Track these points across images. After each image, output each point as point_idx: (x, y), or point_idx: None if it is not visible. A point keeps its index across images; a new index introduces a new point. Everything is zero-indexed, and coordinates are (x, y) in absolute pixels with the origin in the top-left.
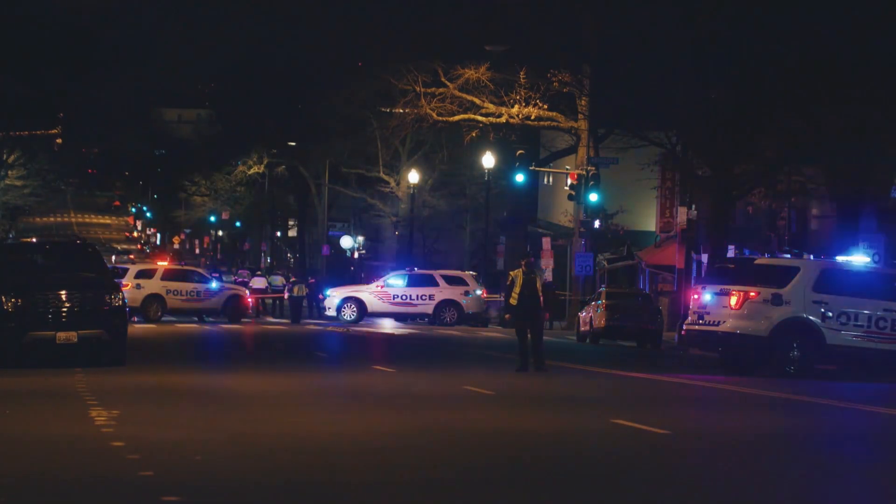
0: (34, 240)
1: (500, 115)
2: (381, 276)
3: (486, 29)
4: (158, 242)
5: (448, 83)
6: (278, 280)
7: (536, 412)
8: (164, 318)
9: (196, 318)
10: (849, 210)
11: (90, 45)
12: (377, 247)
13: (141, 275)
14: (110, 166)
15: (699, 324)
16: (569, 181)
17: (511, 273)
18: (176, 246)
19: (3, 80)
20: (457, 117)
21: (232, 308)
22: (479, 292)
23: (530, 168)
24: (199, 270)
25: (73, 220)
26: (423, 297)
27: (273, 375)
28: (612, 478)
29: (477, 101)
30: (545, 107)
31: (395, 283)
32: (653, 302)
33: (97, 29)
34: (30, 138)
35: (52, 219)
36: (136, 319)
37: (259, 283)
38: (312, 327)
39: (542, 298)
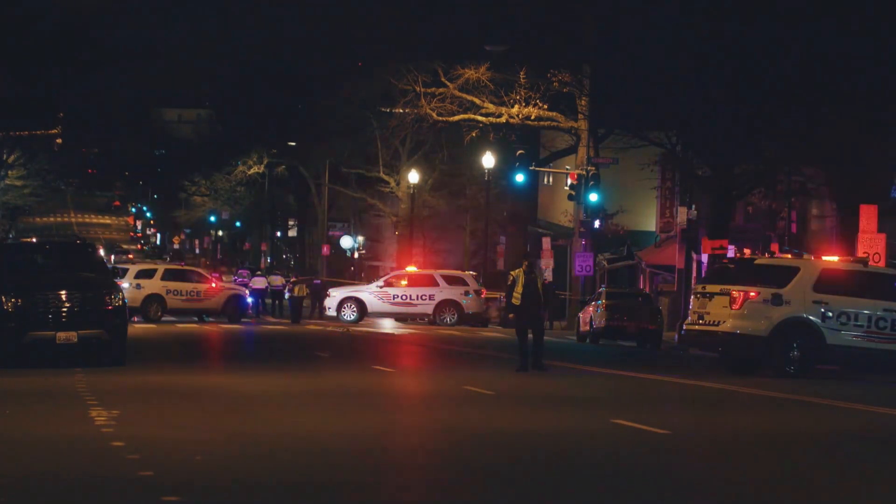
0: (34, 240)
1: (500, 115)
2: (381, 276)
3: (486, 29)
4: (158, 242)
5: (448, 83)
6: (278, 280)
7: (536, 412)
8: (164, 318)
9: (196, 318)
10: (849, 210)
11: (90, 45)
12: (377, 247)
13: (141, 275)
14: (110, 166)
15: (699, 324)
16: (569, 181)
17: (512, 273)
18: (176, 246)
19: (3, 80)
20: (457, 117)
21: (232, 308)
22: (478, 292)
23: (530, 168)
24: (199, 270)
25: (73, 220)
26: (423, 297)
27: (273, 375)
28: (612, 478)
29: (477, 101)
30: (545, 107)
31: (396, 283)
32: (653, 302)
33: (97, 29)
34: (30, 138)
35: (52, 219)
36: (136, 319)
37: (259, 282)
38: (313, 327)
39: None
